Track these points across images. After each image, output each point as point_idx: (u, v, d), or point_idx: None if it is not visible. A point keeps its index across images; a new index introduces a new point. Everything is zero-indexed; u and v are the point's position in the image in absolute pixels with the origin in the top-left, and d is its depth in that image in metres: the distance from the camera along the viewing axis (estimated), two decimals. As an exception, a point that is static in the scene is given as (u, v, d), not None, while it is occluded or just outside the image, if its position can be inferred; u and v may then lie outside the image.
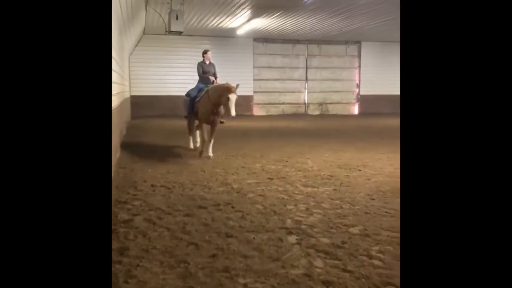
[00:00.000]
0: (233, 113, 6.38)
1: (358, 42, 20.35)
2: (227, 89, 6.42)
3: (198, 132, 7.66)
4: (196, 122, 7.57)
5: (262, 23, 14.89)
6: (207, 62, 7.68)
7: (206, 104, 6.86)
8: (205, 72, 7.56)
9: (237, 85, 6.52)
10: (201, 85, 7.50)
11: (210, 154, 6.95)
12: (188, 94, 7.66)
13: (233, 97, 6.35)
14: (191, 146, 7.89)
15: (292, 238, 3.26)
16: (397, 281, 2.50)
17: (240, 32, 16.20)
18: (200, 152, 7.12)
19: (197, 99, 7.23)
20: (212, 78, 7.48)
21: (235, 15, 13.47)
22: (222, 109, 6.76)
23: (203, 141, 7.21)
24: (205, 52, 7.74)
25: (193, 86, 7.84)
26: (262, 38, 18.71)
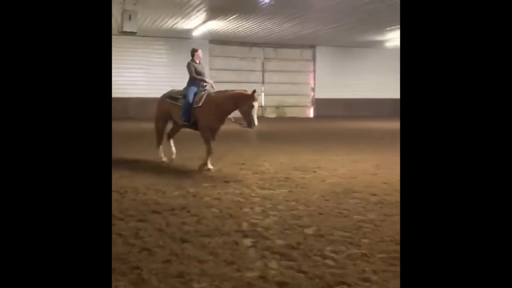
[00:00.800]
0: (256, 122, 5.90)
1: (313, 47, 20.80)
2: (250, 97, 5.85)
3: (172, 141, 7.00)
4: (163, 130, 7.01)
5: (218, 25, 14.86)
6: (198, 62, 6.85)
7: (213, 111, 6.16)
8: (198, 73, 6.71)
9: (255, 91, 5.98)
10: (194, 88, 6.57)
11: (211, 166, 6.23)
12: (172, 97, 6.73)
13: (256, 105, 5.90)
14: (163, 158, 6.89)
15: (248, 241, 3.26)
16: (349, 279, 2.57)
17: (196, 33, 16.08)
18: (202, 166, 6.21)
19: (195, 105, 6.33)
20: (210, 81, 6.80)
21: (191, 16, 13.36)
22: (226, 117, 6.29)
23: (209, 153, 6.24)
24: (195, 51, 6.88)
25: (165, 87, 7.26)
26: (218, 40, 18.68)
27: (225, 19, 13.87)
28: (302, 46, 20.63)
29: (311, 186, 5.24)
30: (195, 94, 6.48)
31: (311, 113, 21.32)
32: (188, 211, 4.06)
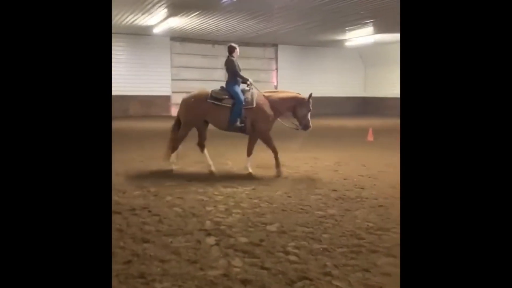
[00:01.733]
0: (311, 124, 6.13)
1: (275, 45, 20.95)
2: (307, 102, 6.01)
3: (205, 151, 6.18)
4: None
5: (180, 22, 14.65)
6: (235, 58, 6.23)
7: (269, 113, 5.92)
8: (240, 71, 6.15)
9: (311, 95, 6.06)
10: (238, 87, 6.04)
11: (250, 169, 5.96)
12: (215, 97, 5.90)
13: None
14: (174, 166, 6.11)
15: (211, 240, 3.25)
16: (311, 274, 2.61)
17: (156, 30, 15.78)
18: (279, 171, 5.89)
19: (247, 106, 5.86)
20: (250, 79, 6.11)
21: (151, 12, 13.09)
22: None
23: (276, 153, 6.01)
24: (234, 47, 6.23)
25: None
26: (180, 38, 18.42)
27: (187, 16, 13.69)
28: (264, 45, 20.73)
29: (274, 184, 5.28)
30: (242, 93, 5.96)
31: (274, 111, 21.48)
32: (149, 211, 3.99)
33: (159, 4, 11.93)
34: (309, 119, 6.10)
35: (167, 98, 18.48)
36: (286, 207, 4.20)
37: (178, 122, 6.10)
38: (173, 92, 18.89)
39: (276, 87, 21.36)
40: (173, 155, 6.07)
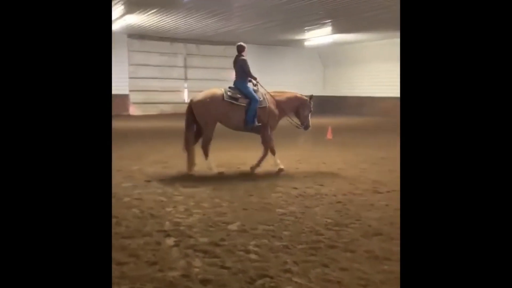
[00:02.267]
0: (310, 124, 6.39)
1: (235, 44, 20.92)
2: (309, 103, 6.27)
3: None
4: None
5: (137, 19, 14.32)
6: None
7: (277, 112, 6.00)
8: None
9: (312, 97, 6.37)
10: (250, 87, 5.98)
11: (281, 166, 5.95)
12: (231, 97, 5.76)
13: None
14: (214, 169, 5.89)
15: (170, 241, 3.20)
16: (272, 272, 2.63)
17: (113, 27, 15.32)
18: (280, 169, 5.91)
19: (260, 105, 5.83)
20: (256, 78, 6.11)
21: (107, 9, 12.69)
22: None
23: (274, 152, 6.05)
24: (244, 47, 6.19)
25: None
26: (137, 35, 18.00)
27: (145, 13, 13.40)
28: (225, 43, 20.65)
29: (236, 183, 5.27)
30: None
31: (235, 110, 21.43)
32: (106, 213, 3.86)
33: (116, 1, 11.60)
34: (309, 119, 6.37)
35: (125, 97, 18.01)
36: (248, 205, 4.20)
37: (190, 126, 5.84)
38: (130, 90, 18.44)
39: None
40: (209, 159, 5.86)
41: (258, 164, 5.99)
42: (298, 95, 6.35)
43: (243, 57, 6.05)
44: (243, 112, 5.75)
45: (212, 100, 5.73)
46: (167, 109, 19.72)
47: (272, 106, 5.97)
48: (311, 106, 6.34)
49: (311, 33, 17.20)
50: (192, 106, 5.76)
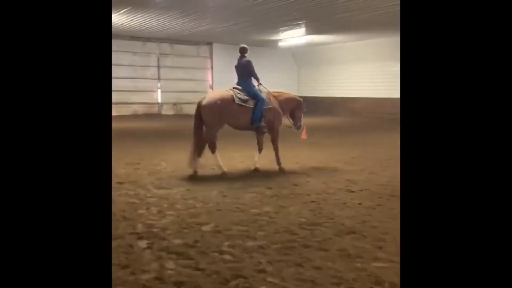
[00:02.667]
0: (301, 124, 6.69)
1: (209, 44, 20.80)
2: (303, 103, 6.59)
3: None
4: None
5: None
6: None
7: (281, 112, 6.27)
8: None
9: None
10: (255, 88, 6.16)
11: (258, 165, 6.16)
12: (241, 99, 5.86)
13: None
14: (223, 168, 5.93)
15: (143, 243, 3.15)
16: (245, 272, 2.62)
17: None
18: (282, 169, 6.08)
19: (266, 106, 6.01)
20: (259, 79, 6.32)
21: (77, 7, 12.39)
22: None
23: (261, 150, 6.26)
24: (247, 49, 6.40)
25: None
26: (109, 34, 17.63)
27: (116, 12, 13.15)
28: (198, 43, 20.51)
29: (210, 183, 5.24)
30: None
31: (209, 110, 21.29)
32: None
33: None
34: (301, 120, 6.71)
35: (96, 97, 17.64)
36: (222, 206, 4.19)
37: (199, 125, 5.85)
38: (103, 90, 18.06)
39: (211, 86, 21.23)
40: (200, 159, 5.87)
41: (279, 162, 6.16)
42: (295, 96, 6.66)
43: (247, 59, 6.21)
44: (250, 112, 5.90)
45: (223, 103, 5.76)
46: (140, 109, 19.43)
47: (277, 106, 6.21)
48: (304, 107, 6.69)
49: (285, 33, 17.30)
50: (201, 109, 5.75)
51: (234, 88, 6.08)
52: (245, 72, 6.16)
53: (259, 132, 6.20)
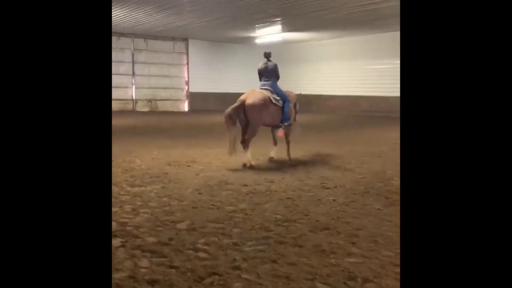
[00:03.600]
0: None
1: (185, 40, 20.60)
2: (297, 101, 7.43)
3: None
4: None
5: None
6: None
7: (293, 111, 7.03)
8: None
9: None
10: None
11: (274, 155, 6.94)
12: (275, 99, 6.53)
13: None
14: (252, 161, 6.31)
15: (116, 241, 3.09)
16: (220, 269, 2.62)
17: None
18: (290, 158, 6.95)
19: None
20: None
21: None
22: None
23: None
24: (271, 53, 7.08)
25: None
26: (82, 28, 17.23)
27: (89, 6, 12.87)
28: (174, 39, 20.29)
29: (185, 181, 5.20)
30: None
31: (185, 107, 21.14)
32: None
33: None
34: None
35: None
36: (197, 204, 4.16)
37: (241, 120, 6.27)
38: (75, 86, 17.65)
39: (187, 83, 21.05)
40: (248, 152, 6.28)
41: (288, 153, 6.96)
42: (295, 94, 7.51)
43: (273, 62, 6.84)
44: (280, 112, 6.52)
45: (265, 104, 6.30)
46: (114, 106, 19.07)
47: (292, 105, 6.87)
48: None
49: (262, 31, 17.32)
50: (246, 108, 6.16)
51: (265, 89, 6.57)
52: (273, 74, 6.72)
53: (275, 128, 6.89)
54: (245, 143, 6.26)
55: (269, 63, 6.78)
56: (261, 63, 6.89)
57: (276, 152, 6.93)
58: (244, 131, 6.35)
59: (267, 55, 6.90)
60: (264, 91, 6.43)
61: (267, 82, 6.67)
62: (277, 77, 6.82)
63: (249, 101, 6.15)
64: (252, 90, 6.61)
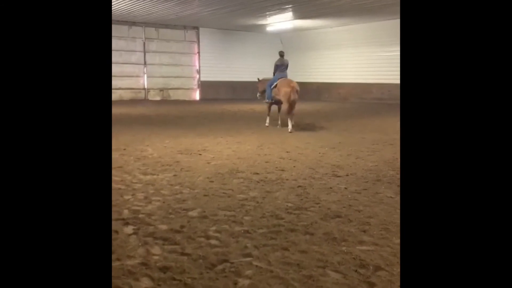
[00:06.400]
0: None
1: (196, 28, 20.52)
2: None
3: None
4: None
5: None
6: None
7: None
8: None
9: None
10: None
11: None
12: None
13: None
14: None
15: (129, 229, 3.13)
16: (232, 257, 2.63)
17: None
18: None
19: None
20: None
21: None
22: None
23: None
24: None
25: None
26: (93, 18, 17.27)
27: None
28: (185, 27, 20.23)
29: (196, 169, 5.23)
30: None
31: (197, 95, 21.16)
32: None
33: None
34: None
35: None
36: (208, 192, 4.18)
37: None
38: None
39: (198, 71, 21.03)
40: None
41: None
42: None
43: (286, 59, 9.61)
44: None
45: (295, 86, 8.87)
46: (126, 95, 19.20)
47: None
48: None
49: (273, 18, 17.15)
50: (292, 90, 8.74)
51: (285, 79, 9.22)
52: (286, 67, 9.53)
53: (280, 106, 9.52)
54: (290, 114, 8.84)
55: (285, 60, 9.51)
56: (277, 59, 9.52)
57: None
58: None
59: (282, 53, 9.62)
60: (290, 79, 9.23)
61: (284, 73, 9.41)
62: (287, 68, 9.53)
63: (294, 85, 8.80)
64: (285, 78, 9.23)
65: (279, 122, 9.56)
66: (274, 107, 9.79)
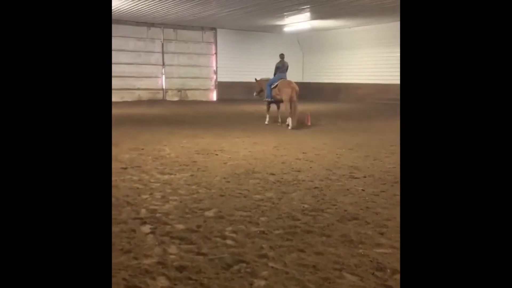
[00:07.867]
0: None
1: (213, 29, 20.62)
2: None
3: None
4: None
5: (113, 3, 13.92)
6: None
7: None
8: None
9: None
10: None
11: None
12: None
13: None
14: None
15: (146, 228, 3.16)
16: (247, 257, 2.63)
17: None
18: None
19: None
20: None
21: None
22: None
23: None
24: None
25: None
26: (113, 20, 17.51)
27: (120, -3, 13.07)
28: (203, 28, 20.35)
29: (213, 169, 5.25)
30: None
31: (214, 96, 21.26)
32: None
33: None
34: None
35: (100, 83, 17.61)
36: (225, 192, 4.20)
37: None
38: (107, 76, 18.01)
39: (215, 72, 21.13)
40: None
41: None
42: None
43: (286, 61, 10.32)
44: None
45: (294, 86, 9.63)
46: (144, 95, 19.42)
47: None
48: None
49: (290, 18, 17.10)
50: (293, 90, 9.48)
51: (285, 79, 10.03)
52: (286, 69, 10.24)
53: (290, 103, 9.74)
54: (294, 114, 9.47)
55: (285, 62, 10.21)
56: (278, 61, 10.23)
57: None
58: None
59: (283, 56, 10.30)
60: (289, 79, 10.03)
61: (284, 74, 10.16)
62: (287, 70, 10.31)
63: (294, 86, 9.50)
64: (284, 79, 9.92)
65: (280, 119, 10.29)
66: (274, 107, 10.58)
